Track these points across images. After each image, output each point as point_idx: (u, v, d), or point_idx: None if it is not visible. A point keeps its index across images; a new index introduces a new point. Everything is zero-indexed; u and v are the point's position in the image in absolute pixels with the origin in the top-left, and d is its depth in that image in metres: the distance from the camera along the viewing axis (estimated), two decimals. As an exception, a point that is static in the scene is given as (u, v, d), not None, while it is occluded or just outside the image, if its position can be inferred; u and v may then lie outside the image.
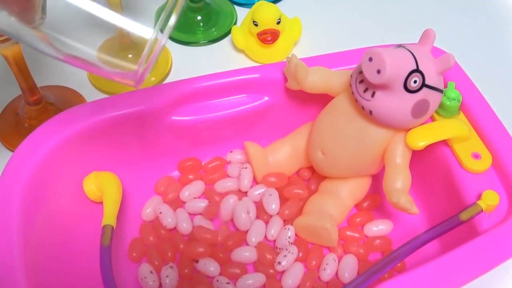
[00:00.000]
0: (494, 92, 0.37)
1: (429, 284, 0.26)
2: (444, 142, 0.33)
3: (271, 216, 0.35)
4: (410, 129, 0.31)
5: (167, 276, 0.32)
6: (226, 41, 0.49)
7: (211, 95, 0.36)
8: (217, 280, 0.32)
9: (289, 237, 0.34)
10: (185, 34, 0.49)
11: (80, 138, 0.32)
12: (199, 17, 0.50)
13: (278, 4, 0.51)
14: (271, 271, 0.33)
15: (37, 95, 0.38)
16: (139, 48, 0.23)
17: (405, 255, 0.28)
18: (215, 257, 0.33)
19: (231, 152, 0.38)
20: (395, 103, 0.29)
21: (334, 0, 0.54)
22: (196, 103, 0.36)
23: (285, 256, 0.33)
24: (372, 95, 0.30)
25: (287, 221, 0.35)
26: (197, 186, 0.37)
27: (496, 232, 0.29)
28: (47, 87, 0.42)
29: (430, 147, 0.32)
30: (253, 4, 0.46)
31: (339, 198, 0.35)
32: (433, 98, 0.30)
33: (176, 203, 0.36)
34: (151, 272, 0.32)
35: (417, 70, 0.29)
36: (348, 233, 0.35)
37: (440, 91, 0.30)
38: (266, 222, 0.35)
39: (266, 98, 0.37)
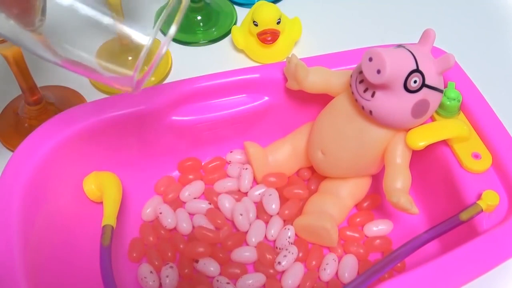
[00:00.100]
0: (494, 92, 0.37)
1: (429, 284, 0.26)
2: (444, 142, 0.33)
3: (271, 216, 0.35)
4: (410, 129, 0.31)
5: (167, 276, 0.32)
6: (226, 41, 0.49)
7: (211, 95, 0.36)
8: (217, 280, 0.32)
9: (289, 237, 0.34)
10: (185, 34, 0.49)
11: (80, 138, 0.32)
12: (199, 17, 0.50)
13: (278, 4, 0.51)
14: (271, 271, 0.33)
15: (37, 95, 0.38)
16: (139, 49, 0.23)
17: (405, 255, 0.28)
18: (215, 257, 0.33)
19: (231, 152, 0.38)
20: (395, 103, 0.29)
21: (334, 0, 0.54)
22: (196, 103, 0.36)
23: (285, 256, 0.33)
24: (372, 95, 0.30)
25: (287, 221, 0.35)
26: (197, 186, 0.37)
27: (496, 232, 0.29)
28: (47, 87, 0.42)
29: (430, 147, 0.32)
30: (253, 4, 0.46)
31: (339, 198, 0.35)
32: (433, 98, 0.30)
33: (176, 203, 0.36)
34: (151, 272, 0.32)
35: (417, 70, 0.29)
36: (348, 233, 0.35)
37: (440, 91, 0.30)
38: (266, 222, 0.35)
39: (266, 98, 0.37)
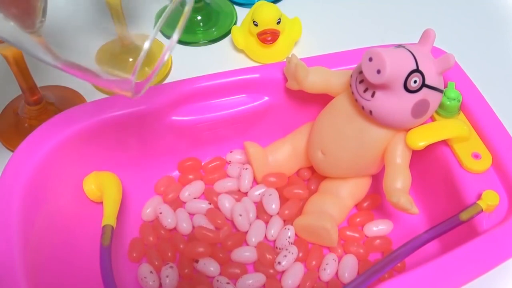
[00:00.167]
0: (494, 92, 0.37)
1: (429, 284, 0.26)
2: (444, 142, 0.33)
3: (271, 216, 0.35)
4: (410, 129, 0.31)
5: (167, 276, 0.32)
6: (226, 41, 0.49)
7: (211, 95, 0.36)
8: (217, 280, 0.32)
9: (289, 237, 0.34)
10: (185, 34, 0.49)
11: (80, 138, 0.32)
12: (199, 17, 0.50)
13: (278, 4, 0.51)
14: (271, 271, 0.33)
15: (37, 95, 0.38)
16: (140, 50, 0.23)
17: (405, 255, 0.28)
18: (215, 257, 0.33)
19: (231, 152, 0.38)
20: (395, 103, 0.29)
21: (334, 0, 0.54)
22: (196, 103, 0.36)
23: (285, 256, 0.33)
24: (372, 95, 0.30)
25: (287, 221, 0.35)
26: (197, 186, 0.37)
27: (496, 232, 0.28)
28: (47, 87, 0.42)
29: (430, 147, 0.32)
30: (253, 4, 0.46)
31: (339, 198, 0.35)
32: (433, 98, 0.30)
33: (176, 203, 0.36)
34: (151, 272, 0.32)
35: (417, 70, 0.29)
36: (348, 233, 0.35)
37: (440, 91, 0.30)
38: (266, 222, 0.35)
39: (266, 98, 0.37)
